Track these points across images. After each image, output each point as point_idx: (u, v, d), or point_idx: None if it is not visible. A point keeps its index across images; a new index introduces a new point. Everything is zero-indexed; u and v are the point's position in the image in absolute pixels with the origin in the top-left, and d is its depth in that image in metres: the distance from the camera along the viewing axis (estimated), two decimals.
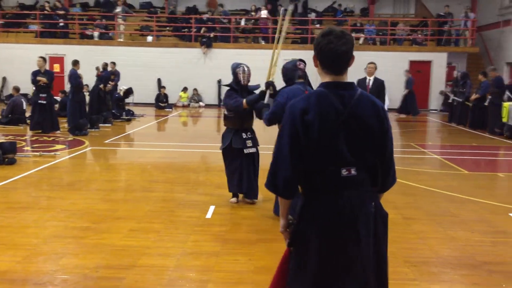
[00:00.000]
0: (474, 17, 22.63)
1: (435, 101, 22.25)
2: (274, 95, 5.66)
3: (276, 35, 6.01)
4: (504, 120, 13.49)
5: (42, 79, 12.30)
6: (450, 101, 17.41)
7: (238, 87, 6.16)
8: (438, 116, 19.71)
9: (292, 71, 5.54)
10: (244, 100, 5.97)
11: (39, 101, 12.39)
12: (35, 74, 12.35)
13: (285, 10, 7.19)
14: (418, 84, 21.28)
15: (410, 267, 4.44)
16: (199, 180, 7.79)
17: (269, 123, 5.38)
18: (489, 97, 14.37)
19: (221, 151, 6.37)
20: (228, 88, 6.28)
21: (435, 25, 23.54)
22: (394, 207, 6.31)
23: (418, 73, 22.09)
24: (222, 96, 7.11)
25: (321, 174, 2.39)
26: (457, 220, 5.88)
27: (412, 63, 22.05)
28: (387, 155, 2.51)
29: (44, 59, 12.84)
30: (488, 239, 5.29)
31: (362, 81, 10.09)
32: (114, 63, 17.59)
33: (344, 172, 2.37)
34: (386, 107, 9.94)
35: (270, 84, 5.74)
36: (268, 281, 4.14)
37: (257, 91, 6.17)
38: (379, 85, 9.90)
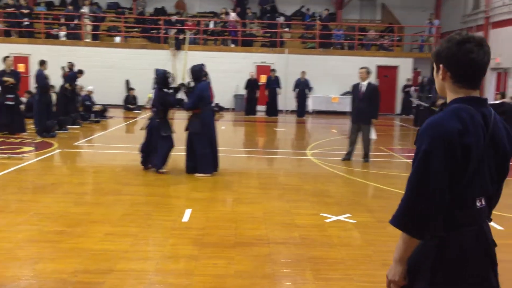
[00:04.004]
0: (439, 24, 23.28)
1: (399, 105, 22.76)
2: (189, 91, 8.43)
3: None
4: None
5: (10, 80, 12.01)
6: (414, 105, 17.84)
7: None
8: (405, 120, 20.14)
9: (199, 72, 8.28)
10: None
11: (6, 102, 12.08)
12: (0, 74, 12.01)
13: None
14: (384, 89, 21.69)
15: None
16: (173, 183, 7.73)
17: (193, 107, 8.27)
18: None
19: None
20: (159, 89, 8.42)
21: (401, 31, 24.11)
22: (368, 211, 6.44)
23: (385, 78, 22.57)
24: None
25: (461, 206, 2.03)
26: None
27: (380, 68, 22.49)
28: (505, 180, 2.20)
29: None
30: None
31: (355, 87, 9.94)
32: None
33: (478, 203, 2.04)
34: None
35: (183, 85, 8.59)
36: (248, 285, 4.18)
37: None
38: (372, 91, 9.72)
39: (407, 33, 24.51)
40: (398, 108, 22.66)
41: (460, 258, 2.02)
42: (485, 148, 2.02)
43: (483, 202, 2.07)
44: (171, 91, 8.56)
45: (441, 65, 2.11)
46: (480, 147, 2.00)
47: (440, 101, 15.55)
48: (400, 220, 2.04)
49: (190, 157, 8.31)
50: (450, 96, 2.14)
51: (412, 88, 21.74)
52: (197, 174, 8.18)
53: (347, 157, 9.97)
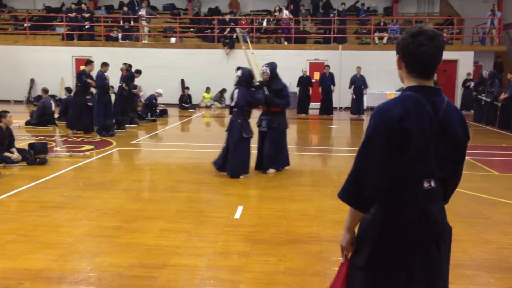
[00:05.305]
0: (501, 16, 22.25)
1: (459, 100, 21.92)
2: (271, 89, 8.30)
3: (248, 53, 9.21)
4: None
5: (93, 82, 12.76)
6: (483, 102, 16.91)
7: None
8: (465, 116, 19.38)
9: (276, 70, 8.36)
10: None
11: (88, 103, 12.81)
12: (85, 75, 12.68)
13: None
14: (443, 84, 20.99)
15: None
16: (226, 181, 7.81)
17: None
18: None
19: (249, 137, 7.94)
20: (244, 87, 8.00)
21: (461, 23, 23.22)
22: None
23: (444, 73, 21.82)
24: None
25: (404, 186, 2.21)
26: (489, 222, 5.79)
27: None
28: (462, 166, 2.38)
29: None
30: None
31: None
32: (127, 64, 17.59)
33: (426, 184, 2.21)
34: None
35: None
36: (299, 282, 4.17)
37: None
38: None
39: (467, 25, 23.55)
40: (457, 103, 21.84)
41: (400, 234, 2.21)
42: (432, 133, 2.20)
43: (433, 184, 2.23)
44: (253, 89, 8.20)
45: (397, 55, 2.30)
46: (424, 132, 2.17)
47: (503, 96, 14.87)
48: (344, 194, 2.28)
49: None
50: (405, 84, 2.31)
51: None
52: (275, 170, 8.35)
53: None
